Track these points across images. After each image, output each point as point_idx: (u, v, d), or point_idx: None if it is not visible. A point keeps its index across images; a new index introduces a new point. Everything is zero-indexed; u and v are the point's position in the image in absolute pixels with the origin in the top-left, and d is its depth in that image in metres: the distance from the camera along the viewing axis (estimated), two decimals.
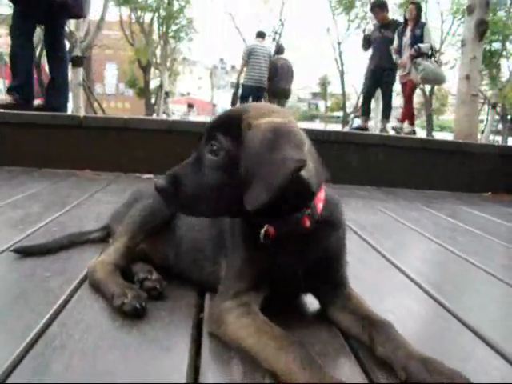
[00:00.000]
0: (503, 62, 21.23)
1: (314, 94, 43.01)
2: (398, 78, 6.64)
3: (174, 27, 18.31)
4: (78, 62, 10.17)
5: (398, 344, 0.80)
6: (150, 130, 3.00)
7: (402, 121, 6.57)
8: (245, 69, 7.74)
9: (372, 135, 3.69)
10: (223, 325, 0.84)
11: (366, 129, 6.62)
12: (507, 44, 21.96)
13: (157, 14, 18.31)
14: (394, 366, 0.78)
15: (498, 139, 21.75)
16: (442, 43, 24.17)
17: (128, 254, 1.11)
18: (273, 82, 8.01)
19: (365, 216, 2.18)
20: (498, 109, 21.13)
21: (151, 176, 2.91)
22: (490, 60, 17.73)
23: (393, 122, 7.23)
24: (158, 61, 17.98)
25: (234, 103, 7.80)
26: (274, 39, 27.06)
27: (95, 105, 10.93)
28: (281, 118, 0.84)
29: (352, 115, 5.92)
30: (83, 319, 0.91)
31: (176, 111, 20.39)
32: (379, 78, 6.60)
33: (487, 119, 19.29)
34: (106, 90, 23.68)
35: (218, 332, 0.85)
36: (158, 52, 18.22)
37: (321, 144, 0.93)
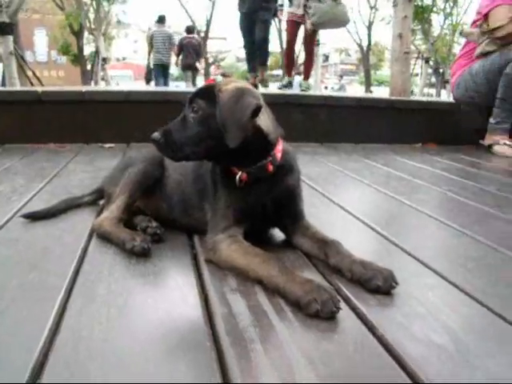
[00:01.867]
0: (434, 17, 22.04)
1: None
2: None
3: None
4: (6, 29, 9.59)
5: (345, 255, 1.12)
6: (108, 101, 3.13)
7: (304, 78, 6.20)
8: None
9: (315, 96, 3.98)
10: (217, 252, 1.13)
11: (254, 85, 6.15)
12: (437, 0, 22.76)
13: None
14: (342, 270, 1.10)
15: (432, 92, 22.82)
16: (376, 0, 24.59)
17: (128, 209, 1.35)
18: (181, 58, 10.41)
19: (311, 168, 2.49)
20: (431, 63, 22.06)
21: (113, 145, 3.08)
22: (422, 15, 18.36)
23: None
24: (92, 25, 17.14)
25: (148, 81, 10.29)
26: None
27: (29, 74, 10.46)
28: (242, 84, 1.17)
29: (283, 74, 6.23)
30: (105, 261, 1.16)
31: (114, 77, 19.63)
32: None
33: (421, 73, 20.13)
34: (37, 58, 22.32)
35: (213, 257, 1.14)
36: (92, 16, 17.33)
37: (270, 107, 1.22)
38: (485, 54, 3.43)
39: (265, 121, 1.15)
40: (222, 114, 1.08)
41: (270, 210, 1.23)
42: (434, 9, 22.05)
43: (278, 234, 1.35)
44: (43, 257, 1.19)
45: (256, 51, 6.02)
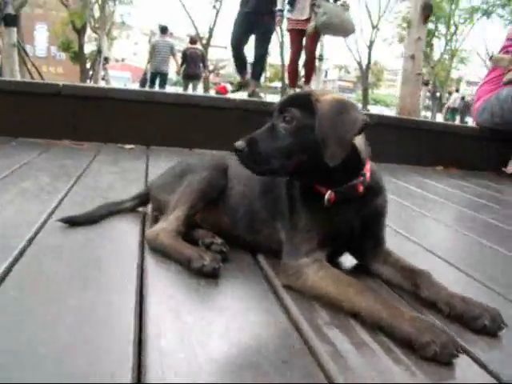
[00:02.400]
0: (435, 41, 22.41)
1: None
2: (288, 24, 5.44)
3: None
4: (11, 20, 9.42)
5: (440, 287, 1.01)
6: (129, 100, 3.00)
7: (305, 82, 5.71)
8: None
9: None
10: (302, 277, 1.00)
11: (242, 85, 5.83)
12: (439, 25, 23.16)
13: None
14: (438, 303, 0.98)
15: (428, 114, 23.10)
16: (379, 18, 24.92)
17: (187, 221, 1.22)
18: (184, 68, 10.70)
19: None
20: (429, 86, 22.33)
21: (133, 146, 2.94)
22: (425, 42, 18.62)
23: None
24: (96, 24, 17.03)
25: (143, 85, 10.64)
26: (214, 7, 26.63)
27: (31, 68, 10.26)
28: (339, 96, 1.06)
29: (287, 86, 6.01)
30: (169, 281, 1.03)
31: (111, 77, 19.44)
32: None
33: (419, 95, 20.32)
34: (36, 53, 22.09)
35: (295, 283, 1.01)
36: (96, 15, 17.24)
37: None
38: None
39: (358, 138, 1.05)
40: (323, 128, 0.97)
41: (355, 233, 1.11)
42: (436, 33, 22.45)
43: (344, 259, 1.24)
44: (97, 271, 1.05)
45: (243, 59, 5.70)
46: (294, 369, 0.73)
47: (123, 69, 31.89)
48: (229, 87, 15.34)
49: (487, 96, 3.64)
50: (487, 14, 23.19)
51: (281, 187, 1.18)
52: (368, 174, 1.09)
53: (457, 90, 22.38)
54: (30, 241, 1.17)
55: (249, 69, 6.00)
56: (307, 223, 1.07)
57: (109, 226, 1.37)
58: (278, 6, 5.45)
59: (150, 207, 1.52)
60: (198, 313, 0.89)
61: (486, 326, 0.91)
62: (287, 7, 5.34)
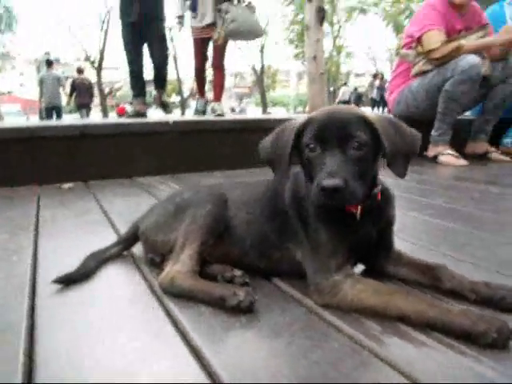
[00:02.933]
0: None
1: (148, 82, 42.07)
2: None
3: None
4: None
5: (461, 277, 1.09)
6: (61, 136, 2.82)
7: (216, 99, 5.03)
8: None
9: (247, 120, 3.97)
10: (339, 294, 1.01)
11: (142, 114, 4.86)
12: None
13: None
14: (463, 292, 1.06)
15: None
16: (267, 23, 25.87)
17: (201, 259, 1.18)
18: (75, 97, 11.74)
19: None
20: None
21: (71, 185, 2.77)
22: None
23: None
24: None
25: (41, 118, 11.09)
26: (101, 28, 25.69)
27: None
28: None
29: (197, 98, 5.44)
30: (213, 325, 0.97)
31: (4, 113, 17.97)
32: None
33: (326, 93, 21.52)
34: None
35: (332, 301, 1.02)
36: None
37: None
38: (422, 73, 3.72)
39: None
40: (393, 146, 1.02)
41: (372, 243, 1.15)
42: None
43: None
44: (133, 319, 0.98)
45: (141, 78, 4.99)
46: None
47: (11, 101, 29.59)
48: (128, 108, 15.05)
49: (399, 89, 3.96)
50: (364, 11, 25.21)
51: (286, 206, 1.19)
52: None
53: (345, 84, 24.00)
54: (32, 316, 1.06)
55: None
56: (331, 238, 1.08)
57: (105, 278, 1.28)
58: (178, 13, 5.21)
59: (135, 250, 1.45)
60: (263, 352, 0.87)
61: None
62: (190, 13, 5.01)
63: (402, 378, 0.76)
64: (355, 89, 22.11)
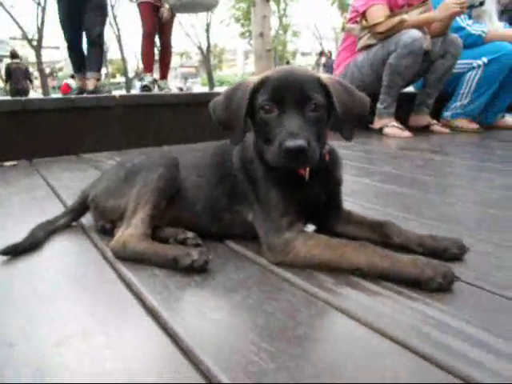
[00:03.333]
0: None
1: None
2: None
3: None
4: None
5: (408, 232, 1.13)
6: (1, 112, 2.64)
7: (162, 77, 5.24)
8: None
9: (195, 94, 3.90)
10: (293, 251, 1.03)
11: (83, 90, 4.60)
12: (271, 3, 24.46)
13: None
14: (410, 246, 1.10)
15: None
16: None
17: (152, 222, 1.15)
18: (10, 83, 11.46)
19: None
20: None
21: (15, 163, 2.61)
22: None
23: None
24: None
25: None
26: (38, 4, 24.09)
27: None
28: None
29: (143, 76, 4.98)
30: (166, 286, 0.96)
31: None
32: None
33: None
34: None
35: (286, 259, 1.03)
36: None
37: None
38: (367, 47, 3.79)
39: None
40: (344, 108, 1.04)
41: (321, 203, 1.17)
42: None
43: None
44: (93, 300, 0.95)
45: (81, 52, 4.58)
46: (332, 331, 0.77)
47: None
48: (71, 82, 14.46)
49: (345, 62, 4.02)
50: None
51: (235, 170, 1.18)
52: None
53: (287, 62, 23.98)
54: None
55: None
56: (281, 198, 1.09)
57: (55, 248, 1.22)
58: None
59: (84, 220, 1.40)
60: (222, 308, 0.87)
61: (455, 254, 1.06)
62: None
63: (357, 324, 0.79)
64: (287, 62, 22.10)
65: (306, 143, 0.94)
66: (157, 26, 4.95)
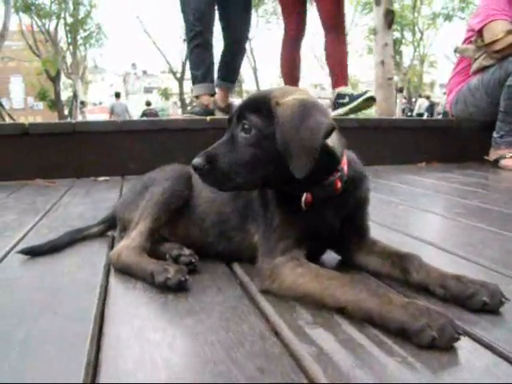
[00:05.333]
0: (404, 48, 22.93)
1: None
2: None
3: (82, 34, 17.55)
4: None
5: (430, 269, 0.92)
6: (100, 132, 2.93)
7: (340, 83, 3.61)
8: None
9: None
10: (279, 278, 0.91)
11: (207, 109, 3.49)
12: (405, 33, 23.79)
13: (62, 21, 17.40)
14: (430, 286, 0.90)
15: None
16: (347, 33, 25.60)
17: (152, 236, 1.13)
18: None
19: None
20: (404, 92, 22.67)
21: (107, 178, 2.86)
22: (394, 47, 19.13)
23: None
24: (69, 70, 17.10)
25: None
26: (184, 40, 27.02)
27: (7, 119, 10.25)
28: (303, 95, 0.94)
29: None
30: (135, 299, 0.93)
31: None
32: None
33: (396, 102, 20.68)
34: (13, 105, 22.07)
35: (272, 286, 0.91)
36: (68, 61, 17.32)
37: None
38: (482, 69, 3.39)
39: (331, 136, 0.93)
40: (285, 137, 0.87)
41: (336, 230, 1.02)
42: (403, 41, 22.99)
43: (326, 256, 1.15)
44: (54, 298, 0.94)
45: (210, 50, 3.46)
46: (271, 375, 0.63)
47: (102, 111, 32.05)
48: None
49: (458, 87, 3.63)
50: (449, 17, 23.91)
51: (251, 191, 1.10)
52: (345, 168, 1.01)
53: (420, 96, 22.56)
54: None
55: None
56: (282, 223, 0.99)
57: (73, 253, 1.27)
58: None
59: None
60: (164, 329, 0.79)
61: (485, 303, 0.83)
62: None
63: (302, 377, 0.63)
64: (428, 97, 20.76)
65: (203, 161, 0.91)
66: (303, 28, 3.74)
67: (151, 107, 15.54)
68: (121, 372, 0.64)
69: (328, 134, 0.89)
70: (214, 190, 1.15)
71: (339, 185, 0.99)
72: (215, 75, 3.62)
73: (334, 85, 3.59)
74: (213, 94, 3.58)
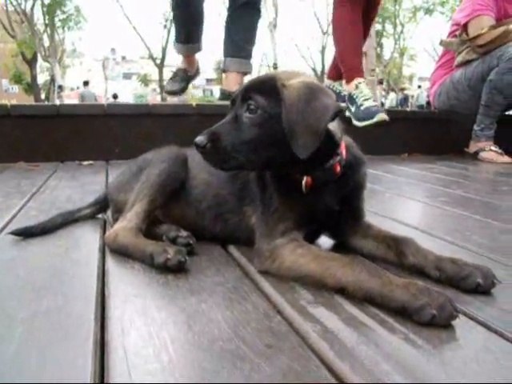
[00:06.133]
0: (385, 41, 23.10)
1: (209, 80, 42.55)
2: None
3: (60, 16, 17.05)
4: None
5: (426, 252, 0.95)
6: (85, 115, 2.87)
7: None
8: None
9: None
10: (278, 259, 0.92)
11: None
12: (386, 25, 23.95)
13: (39, 2, 16.86)
14: (426, 269, 0.93)
15: None
16: (328, 24, 25.58)
17: (148, 217, 1.12)
18: None
19: None
20: (383, 85, 22.86)
21: (92, 162, 2.81)
22: (375, 39, 19.28)
23: None
24: (47, 53, 16.62)
25: None
26: (165, 26, 26.59)
27: None
28: (308, 78, 0.96)
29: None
30: (135, 280, 0.93)
31: None
32: None
33: (377, 94, 20.84)
34: None
35: (272, 267, 0.93)
36: (46, 44, 16.82)
37: None
38: (465, 63, 3.45)
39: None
40: (291, 118, 0.88)
41: (335, 214, 1.04)
42: (384, 33, 23.15)
43: (323, 238, 1.17)
44: (53, 279, 0.94)
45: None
46: (280, 352, 0.64)
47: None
48: None
49: (441, 80, 3.69)
50: (429, 11, 24.18)
51: (249, 173, 1.10)
52: (344, 151, 1.02)
53: (402, 90, 22.74)
54: None
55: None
56: (281, 205, 1.00)
57: (65, 234, 1.26)
58: None
59: (109, 212, 1.41)
60: (168, 308, 0.80)
61: (479, 284, 0.86)
62: None
63: (311, 354, 0.64)
64: (402, 89, 20.97)
65: (206, 139, 0.91)
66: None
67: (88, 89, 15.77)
68: (130, 349, 0.64)
69: (334, 116, 0.91)
70: (210, 172, 1.17)
71: (338, 168, 1.01)
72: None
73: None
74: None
